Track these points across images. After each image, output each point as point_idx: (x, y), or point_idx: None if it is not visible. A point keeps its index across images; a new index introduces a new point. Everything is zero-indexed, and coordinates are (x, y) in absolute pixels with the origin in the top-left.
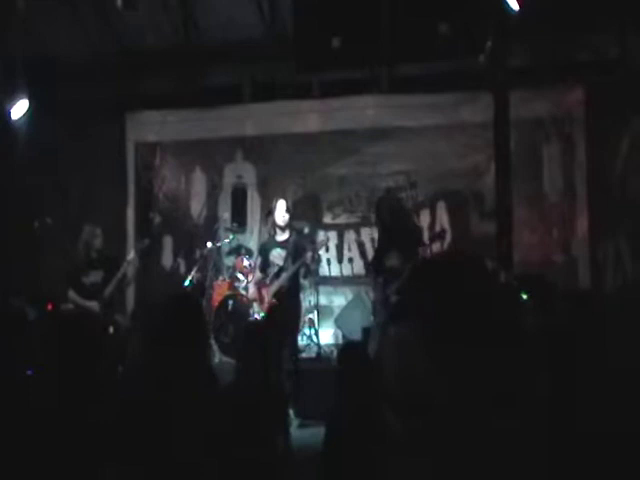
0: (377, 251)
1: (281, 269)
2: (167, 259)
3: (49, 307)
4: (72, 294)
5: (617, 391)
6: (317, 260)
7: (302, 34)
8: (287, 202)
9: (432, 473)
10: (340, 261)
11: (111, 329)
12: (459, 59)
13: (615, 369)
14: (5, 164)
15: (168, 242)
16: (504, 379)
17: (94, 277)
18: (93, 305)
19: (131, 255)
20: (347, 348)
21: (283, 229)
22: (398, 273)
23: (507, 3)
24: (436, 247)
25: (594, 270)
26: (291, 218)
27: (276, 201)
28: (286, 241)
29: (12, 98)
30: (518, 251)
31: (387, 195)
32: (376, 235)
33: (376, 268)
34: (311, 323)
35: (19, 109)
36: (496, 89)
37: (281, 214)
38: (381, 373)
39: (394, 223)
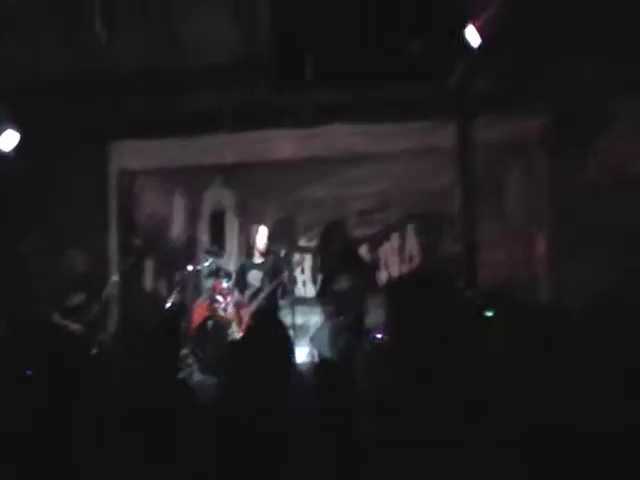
0: (325, 277)
1: (258, 290)
2: (148, 281)
3: (32, 329)
4: (56, 316)
5: (578, 398)
6: (293, 281)
7: (278, 58)
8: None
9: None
10: (315, 282)
11: (94, 349)
12: (429, 82)
13: (574, 379)
14: None
15: (149, 265)
16: (465, 387)
17: (77, 299)
18: (76, 327)
19: (114, 278)
20: (322, 365)
21: (262, 253)
22: (346, 296)
23: (472, 33)
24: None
25: (554, 288)
26: (268, 241)
27: (257, 227)
28: (263, 263)
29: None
30: (484, 270)
31: (332, 223)
32: None
33: (325, 293)
34: None
35: (8, 140)
36: (462, 116)
37: (262, 239)
38: (354, 384)
39: (342, 249)
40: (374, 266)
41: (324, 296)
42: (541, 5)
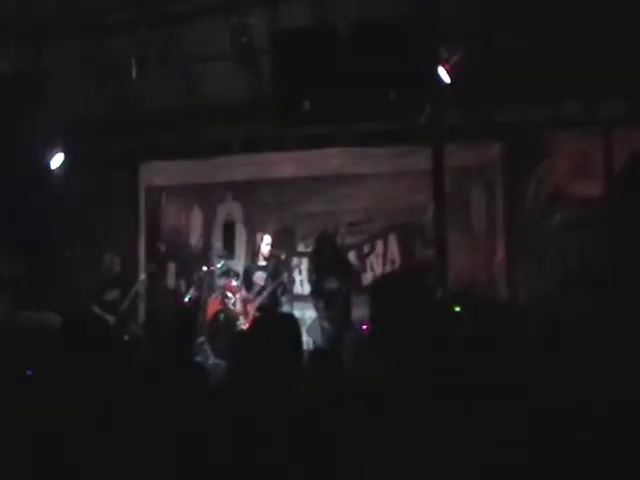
0: (317, 277)
1: (262, 288)
2: (171, 280)
3: (76, 318)
4: (95, 308)
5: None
6: (292, 281)
7: (279, 99)
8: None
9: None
10: (310, 282)
11: (126, 337)
12: (405, 119)
13: (529, 366)
14: (47, 204)
15: (172, 267)
16: (436, 367)
17: (113, 295)
18: (111, 317)
19: (142, 277)
20: (316, 352)
21: (266, 258)
22: (336, 294)
23: (440, 77)
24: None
25: (510, 287)
26: (271, 247)
27: (262, 236)
28: (266, 266)
29: (51, 153)
30: (452, 272)
31: (324, 233)
32: None
33: (317, 292)
34: None
35: (57, 161)
36: (434, 143)
37: (266, 246)
38: (342, 369)
39: (331, 254)
40: (358, 269)
41: (316, 294)
42: (499, 53)
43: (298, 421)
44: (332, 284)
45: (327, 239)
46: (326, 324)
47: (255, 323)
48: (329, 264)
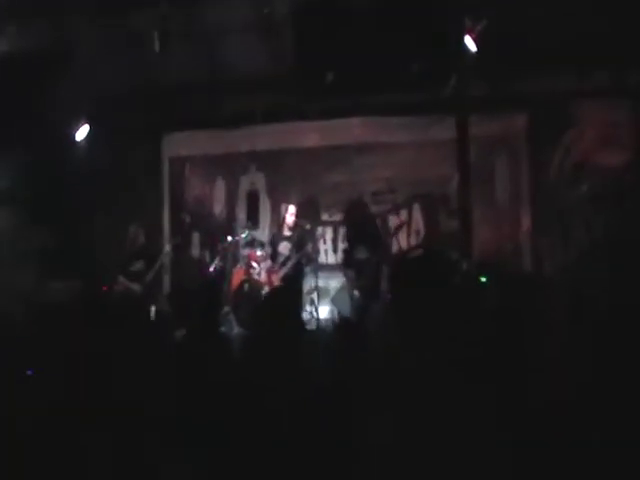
0: (347, 247)
1: (287, 258)
2: (195, 251)
3: (103, 288)
4: (121, 278)
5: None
6: (316, 251)
7: (302, 71)
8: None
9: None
10: (335, 251)
11: (153, 307)
12: (429, 90)
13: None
14: (73, 174)
15: (196, 237)
16: (461, 342)
17: (138, 266)
18: (137, 288)
19: (167, 249)
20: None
21: (291, 228)
22: (366, 263)
23: (466, 45)
24: (398, 237)
25: (535, 257)
26: (296, 217)
27: (287, 206)
28: (291, 236)
29: (77, 124)
30: (477, 243)
31: (356, 201)
32: None
33: (347, 261)
34: (312, 302)
35: (82, 132)
36: (458, 113)
37: (290, 216)
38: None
39: (362, 224)
40: (388, 239)
41: (346, 263)
42: (525, 22)
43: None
44: (362, 254)
45: (358, 208)
46: (356, 293)
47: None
48: (360, 234)
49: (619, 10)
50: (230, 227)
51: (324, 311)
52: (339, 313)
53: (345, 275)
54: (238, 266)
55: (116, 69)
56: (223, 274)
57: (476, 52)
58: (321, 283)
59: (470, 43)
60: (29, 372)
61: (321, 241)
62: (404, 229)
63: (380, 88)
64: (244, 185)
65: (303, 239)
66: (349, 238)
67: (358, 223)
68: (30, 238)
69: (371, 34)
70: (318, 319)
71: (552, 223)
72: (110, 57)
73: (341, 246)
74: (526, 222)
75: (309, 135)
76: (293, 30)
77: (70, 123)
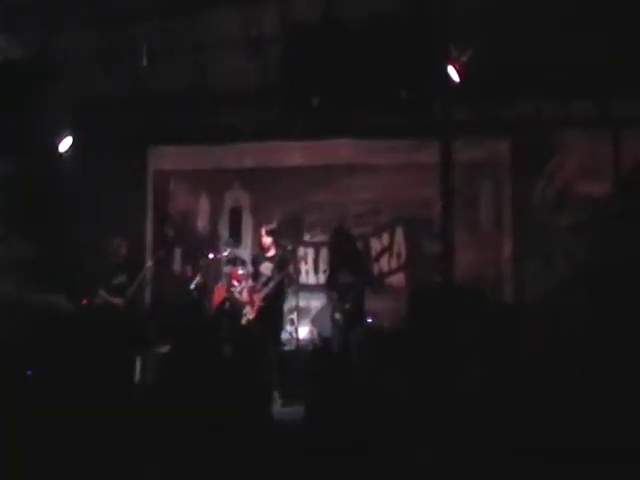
0: (331, 270)
1: (269, 279)
2: (177, 265)
3: (84, 302)
4: (102, 292)
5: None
6: (298, 271)
7: (288, 92)
8: (271, 226)
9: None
10: (316, 272)
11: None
12: (414, 115)
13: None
14: (56, 186)
15: (178, 252)
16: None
17: (120, 279)
18: (119, 301)
19: (149, 263)
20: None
21: (268, 248)
22: (350, 287)
23: (450, 76)
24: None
25: (516, 284)
26: (277, 237)
27: (269, 225)
28: (273, 256)
29: (60, 135)
30: (458, 267)
31: (340, 225)
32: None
33: (331, 283)
34: (292, 322)
35: (65, 144)
36: (442, 139)
37: (264, 238)
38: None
39: (346, 248)
40: (371, 265)
41: (330, 285)
42: (510, 50)
43: None
44: (347, 277)
45: (343, 232)
46: (339, 316)
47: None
48: (344, 257)
49: (603, 41)
50: (213, 243)
51: (304, 331)
52: (319, 334)
53: (328, 297)
54: (220, 283)
55: (103, 81)
56: (205, 291)
57: (460, 79)
58: (302, 303)
59: (453, 73)
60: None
61: (302, 262)
62: (386, 252)
63: (366, 111)
64: (228, 202)
65: (285, 260)
66: (332, 261)
67: (342, 246)
68: (12, 249)
69: (359, 57)
70: (297, 339)
71: (534, 250)
72: (98, 69)
73: (323, 267)
74: (508, 248)
75: (295, 154)
76: (282, 49)
77: (54, 134)
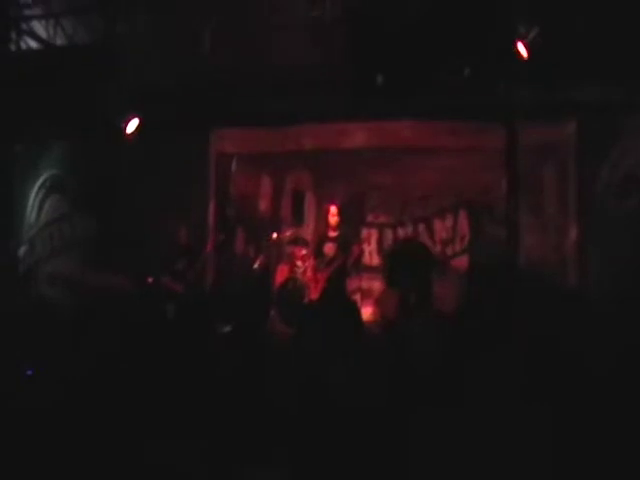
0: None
1: (332, 259)
2: (239, 246)
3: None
4: (164, 278)
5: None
6: (361, 252)
7: (352, 72)
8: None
9: None
10: (379, 253)
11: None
12: (478, 95)
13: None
14: (121, 168)
15: (241, 234)
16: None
17: (182, 263)
18: (179, 287)
19: (209, 248)
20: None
21: (334, 228)
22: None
23: (519, 52)
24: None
25: (581, 269)
26: (340, 218)
27: (328, 206)
28: (336, 236)
29: (127, 117)
30: (522, 252)
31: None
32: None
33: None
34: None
35: (132, 126)
36: (507, 121)
37: (333, 217)
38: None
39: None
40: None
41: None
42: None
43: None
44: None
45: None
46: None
47: (321, 302)
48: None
49: None
50: (275, 224)
51: (367, 312)
52: (382, 314)
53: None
54: (282, 263)
55: (166, 65)
56: (268, 271)
57: (527, 59)
58: (364, 284)
59: (522, 50)
60: (29, 372)
61: (365, 243)
62: (449, 232)
63: (429, 91)
64: (290, 183)
65: (348, 240)
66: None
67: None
68: (76, 228)
69: (422, 37)
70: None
71: (599, 236)
72: (161, 53)
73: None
74: (573, 233)
75: (356, 135)
76: (344, 30)
77: (120, 116)
